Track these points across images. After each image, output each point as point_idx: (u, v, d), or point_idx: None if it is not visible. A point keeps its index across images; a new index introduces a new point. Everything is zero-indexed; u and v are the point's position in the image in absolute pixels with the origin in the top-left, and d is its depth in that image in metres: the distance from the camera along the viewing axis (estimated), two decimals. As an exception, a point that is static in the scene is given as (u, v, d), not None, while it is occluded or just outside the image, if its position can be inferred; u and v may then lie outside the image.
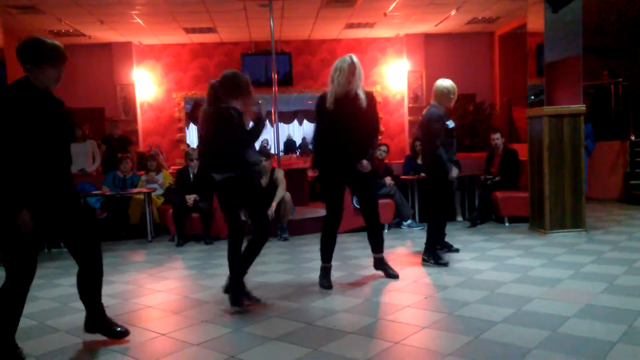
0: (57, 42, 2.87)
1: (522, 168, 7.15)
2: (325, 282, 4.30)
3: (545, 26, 6.06)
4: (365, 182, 4.31)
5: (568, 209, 6.09)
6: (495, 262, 4.85)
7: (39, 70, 2.77)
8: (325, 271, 4.37)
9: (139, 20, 8.59)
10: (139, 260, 5.94)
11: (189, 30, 9.43)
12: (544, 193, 6.10)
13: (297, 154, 12.98)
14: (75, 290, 3.16)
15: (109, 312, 3.69)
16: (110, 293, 4.25)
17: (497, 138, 7.40)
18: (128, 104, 10.17)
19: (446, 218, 5.34)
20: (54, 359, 2.98)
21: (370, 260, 4.71)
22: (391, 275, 4.49)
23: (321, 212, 7.10)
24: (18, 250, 2.77)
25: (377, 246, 4.53)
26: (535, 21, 6.30)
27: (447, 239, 5.46)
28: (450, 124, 4.93)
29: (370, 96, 4.28)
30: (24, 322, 3.03)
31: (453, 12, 8.84)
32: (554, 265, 4.65)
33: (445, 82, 4.95)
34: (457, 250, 5.36)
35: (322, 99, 4.24)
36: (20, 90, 2.74)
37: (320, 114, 4.27)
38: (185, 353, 3.00)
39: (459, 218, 7.50)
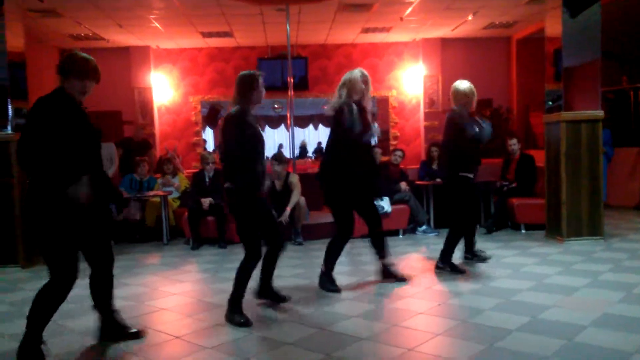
0: (88, 58, 3.08)
1: (539, 174, 7.08)
2: (334, 286, 4.32)
3: (563, 31, 6.01)
4: (370, 198, 4.38)
5: (585, 217, 6.01)
6: (511, 270, 4.80)
7: (67, 82, 3.00)
8: (330, 277, 4.39)
9: (156, 24, 8.67)
10: (154, 262, 5.98)
11: (206, 35, 9.50)
12: (560, 200, 6.03)
13: (312, 158, 12.96)
14: (87, 292, 3.19)
15: (123, 314, 3.73)
16: (125, 295, 4.28)
17: (514, 144, 7.33)
18: (145, 108, 10.26)
19: (472, 227, 5.12)
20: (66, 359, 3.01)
21: (383, 266, 4.72)
22: (400, 279, 4.50)
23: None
24: (61, 250, 2.88)
25: (381, 250, 4.52)
26: (553, 26, 6.24)
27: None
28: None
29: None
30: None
31: (470, 17, 8.80)
32: (570, 273, 4.59)
33: (461, 85, 4.80)
34: (485, 260, 5.12)
35: (341, 110, 4.16)
36: (55, 99, 2.93)
37: (339, 126, 4.19)
38: (198, 356, 3.02)
39: (475, 224, 7.44)
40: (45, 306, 2.92)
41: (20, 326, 3.60)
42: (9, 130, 5.69)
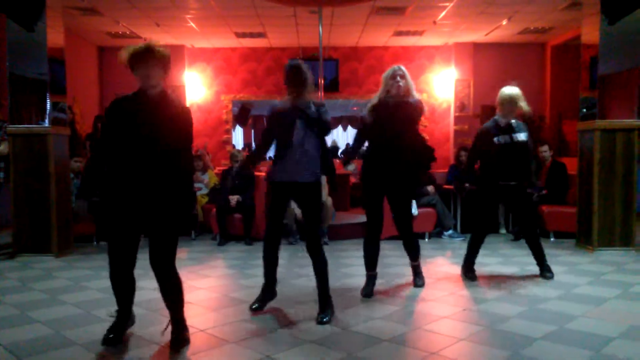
0: (144, 45, 3.14)
1: (571, 182, 6.96)
2: (365, 290, 4.29)
3: (601, 38, 5.90)
4: (401, 196, 4.28)
5: (617, 226, 5.89)
6: (538, 278, 4.74)
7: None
8: (367, 279, 4.36)
9: (192, 24, 8.82)
10: (181, 257, 6.07)
11: (240, 35, 9.62)
12: (592, 209, 5.92)
13: (340, 158, 13.00)
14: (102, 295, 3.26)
15: (151, 307, 3.82)
16: (152, 288, 4.35)
17: (545, 151, 7.23)
18: (178, 105, 10.44)
19: (480, 235, 4.86)
20: (96, 346, 3.09)
21: (407, 269, 4.70)
22: (416, 285, 4.50)
23: (361, 218, 7.10)
24: (110, 235, 3.07)
25: (411, 254, 4.52)
26: (590, 32, 6.13)
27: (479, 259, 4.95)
28: (500, 139, 4.58)
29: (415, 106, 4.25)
30: (71, 311, 3.16)
31: (504, 22, 8.70)
32: (600, 284, 4.51)
33: (501, 91, 4.65)
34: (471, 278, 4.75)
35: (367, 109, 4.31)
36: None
37: (364, 123, 4.32)
38: (222, 350, 3.07)
39: (502, 231, 7.36)
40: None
41: (54, 313, 3.73)
42: (47, 123, 5.86)
